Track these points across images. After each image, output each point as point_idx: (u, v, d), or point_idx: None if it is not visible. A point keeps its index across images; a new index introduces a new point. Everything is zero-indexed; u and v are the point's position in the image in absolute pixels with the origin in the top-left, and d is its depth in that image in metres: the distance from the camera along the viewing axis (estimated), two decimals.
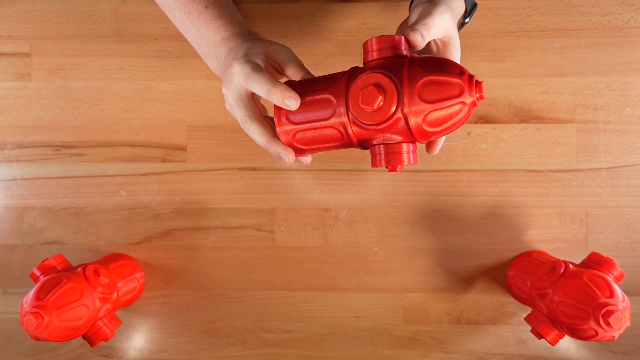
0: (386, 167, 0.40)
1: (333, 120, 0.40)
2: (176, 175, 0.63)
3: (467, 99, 0.37)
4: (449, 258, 0.61)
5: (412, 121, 0.37)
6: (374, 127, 0.38)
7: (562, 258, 0.56)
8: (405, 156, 0.39)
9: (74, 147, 0.63)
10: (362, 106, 0.38)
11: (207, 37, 0.52)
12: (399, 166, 0.39)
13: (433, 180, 0.61)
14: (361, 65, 0.42)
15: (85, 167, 0.63)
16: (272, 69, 0.47)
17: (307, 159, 0.47)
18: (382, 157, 0.40)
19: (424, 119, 0.37)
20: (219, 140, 0.62)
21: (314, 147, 0.43)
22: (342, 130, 0.40)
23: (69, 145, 0.63)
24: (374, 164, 0.41)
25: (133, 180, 0.63)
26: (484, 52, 0.60)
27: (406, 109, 0.37)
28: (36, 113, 0.63)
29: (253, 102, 0.45)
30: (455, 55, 0.45)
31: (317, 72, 0.61)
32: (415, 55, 0.40)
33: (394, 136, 0.39)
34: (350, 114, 0.39)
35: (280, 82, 0.42)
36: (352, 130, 0.39)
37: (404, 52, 0.40)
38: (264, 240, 0.62)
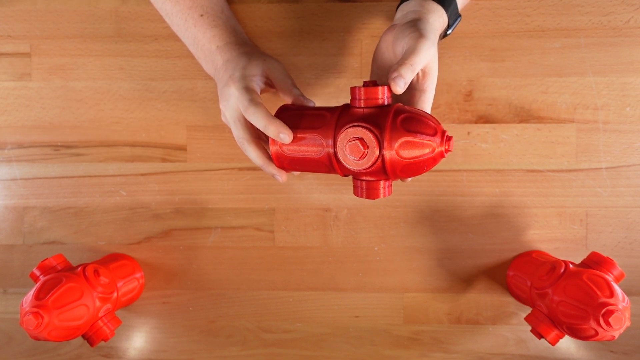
0: (367, 198, 0.47)
1: (321, 157, 0.46)
2: (176, 175, 0.63)
3: (437, 153, 0.43)
4: (449, 258, 0.61)
5: (389, 169, 0.44)
6: (356, 170, 0.44)
7: (562, 258, 0.56)
8: (381, 191, 0.46)
9: (74, 147, 0.63)
10: (347, 155, 0.44)
11: (202, 44, 0.54)
12: (376, 197, 0.47)
13: (433, 180, 0.61)
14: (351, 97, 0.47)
15: (85, 167, 0.63)
16: (267, 86, 0.51)
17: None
18: (364, 191, 0.47)
19: (399, 169, 0.44)
20: (219, 140, 0.62)
21: (303, 170, 0.50)
22: (328, 164, 0.46)
23: (69, 145, 0.63)
24: (356, 194, 0.47)
25: (133, 180, 0.63)
26: (484, 52, 0.60)
27: (386, 160, 0.43)
28: (36, 113, 0.63)
29: (250, 124, 0.48)
30: (432, 86, 0.48)
31: (317, 72, 0.61)
32: (398, 105, 0.45)
33: (373, 178, 0.46)
34: (336, 157, 0.45)
35: (275, 118, 0.46)
36: (338, 167, 0.46)
37: (387, 101, 0.45)
38: (264, 240, 0.62)
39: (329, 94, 0.61)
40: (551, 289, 0.49)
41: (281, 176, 0.50)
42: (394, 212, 0.62)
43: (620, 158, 0.60)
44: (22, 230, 0.64)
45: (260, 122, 0.46)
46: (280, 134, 0.45)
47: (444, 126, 0.61)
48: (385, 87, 0.45)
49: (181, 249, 0.63)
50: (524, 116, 0.60)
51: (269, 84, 0.52)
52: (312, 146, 0.46)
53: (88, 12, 0.63)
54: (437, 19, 0.48)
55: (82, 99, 0.63)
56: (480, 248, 0.61)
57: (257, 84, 0.49)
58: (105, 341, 0.57)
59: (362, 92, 0.44)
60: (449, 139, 0.43)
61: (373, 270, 0.62)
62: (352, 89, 0.45)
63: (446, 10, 0.49)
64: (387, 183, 0.46)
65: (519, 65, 0.60)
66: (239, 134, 0.49)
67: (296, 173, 0.52)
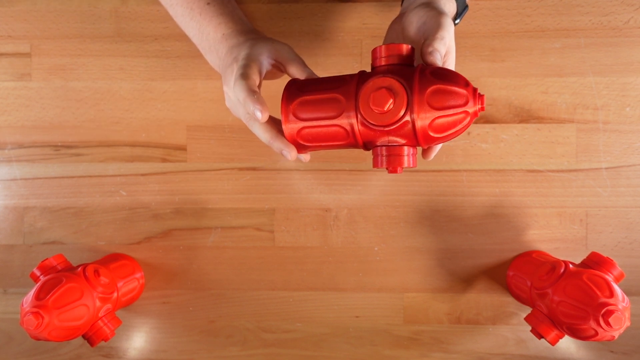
0: (387, 169, 0.42)
1: (341, 119, 0.41)
2: (176, 175, 0.63)
3: (471, 109, 0.39)
4: (449, 258, 0.61)
5: (419, 125, 0.39)
6: (380, 129, 0.40)
7: (562, 258, 0.56)
8: (405, 158, 0.41)
9: (74, 147, 0.63)
10: (372, 107, 0.39)
11: (207, 33, 0.53)
12: (398, 168, 0.41)
13: (433, 180, 0.61)
14: (367, 70, 0.43)
15: (85, 167, 0.63)
16: (275, 69, 0.48)
17: (306, 156, 0.47)
18: (384, 158, 0.41)
19: (429, 124, 0.39)
20: (219, 140, 0.62)
21: (317, 144, 0.44)
22: (348, 129, 0.41)
23: (69, 145, 0.63)
24: (376, 164, 0.42)
25: (133, 180, 0.63)
26: (484, 52, 0.60)
27: (414, 114, 0.38)
28: (36, 113, 0.63)
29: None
30: (453, 63, 0.46)
31: (317, 72, 0.61)
32: (422, 64, 0.41)
33: (398, 139, 0.40)
34: (359, 114, 0.40)
35: (254, 92, 0.42)
36: (358, 130, 0.41)
37: (413, 61, 0.42)
38: (264, 240, 0.63)
39: None
40: (551, 289, 0.49)
41: (290, 152, 0.45)
42: (394, 212, 0.62)
43: (620, 158, 0.60)
44: (22, 230, 0.64)
45: (240, 94, 0.43)
46: (255, 111, 0.42)
47: None
48: (408, 46, 0.41)
49: (181, 249, 0.63)
50: (524, 116, 0.60)
51: (278, 67, 0.49)
52: (331, 109, 0.41)
53: (88, 12, 0.63)
54: (447, 2, 0.48)
55: (82, 99, 0.63)
56: (480, 248, 0.61)
57: (263, 64, 0.46)
58: (105, 341, 0.57)
59: (384, 49, 0.41)
60: (481, 96, 0.39)
61: (373, 270, 0.62)
62: (374, 50, 0.42)
63: None
64: (411, 150, 0.41)
65: (519, 65, 0.60)
66: (243, 111, 0.46)
67: (303, 158, 0.47)
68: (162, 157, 0.63)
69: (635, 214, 0.60)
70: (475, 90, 0.39)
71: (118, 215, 0.63)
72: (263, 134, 0.45)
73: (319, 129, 0.42)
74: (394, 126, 0.39)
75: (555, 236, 0.61)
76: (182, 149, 0.63)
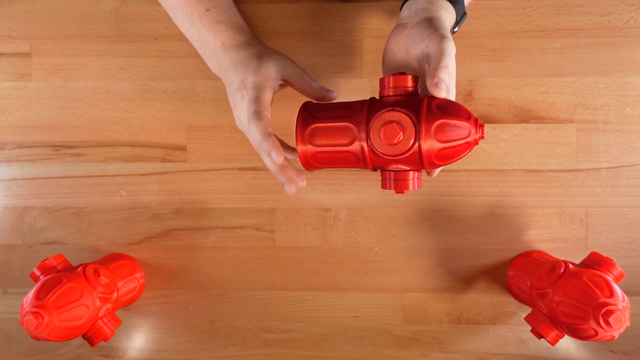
0: (394, 190, 0.46)
1: (353, 147, 0.44)
2: (176, 175, 0.63)
3: (472, 138, 0.43)
4: (449, 258, 0.61)
5: (425, 155, 0.42)
6: (390, 158, 0.43)
7: (562, 258, 0.56)
8: (411, 182, 0.45)
9: (74, 147, 0.63)
10: (382, 140, 0.43)
11: (207, 40, 0.53)
12: (405, 191, 0.45)
13: (433, 180, 0.61)
14: (374, 90, 0.46)
15: (85, 167, 0.63)
16: (282, 87, 0.50)
17: (302, 183, 0.50)
18: (392, 182, 0.45)
19: (435, 154, 0.43)
20: (219, 140, 0.62)
21: (328, 166, 0.48)
22: (359, 155, 0.45)
23: (69, 145, 0.63)
24: (384, 186, 0.46)
25: (133, 180, 0.63)
26: (484, 52, 0.60)
27: (422, 145, 0.42)
28: (36, 113, 0.63)
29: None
30: (454, 84, 0.47)
31: (316, 72, 0.61)
32: (428, 95, 0.44)
33: (405, 166, 0.44)
34: (370, 144, 0.43)
35: (270, 136, 0.45)
36: (369, 157, 0.44)
37: (418, 90, 0.45)
38: (264, 240, 0.62)
39: None
40: (551, 289, 0.49)
41: (290, 187, 0.49)
42: (394, 212, 0.62)
43: (620, 158, 0.60)
44: (22, 230, 0.64)
45: (256, 137, 0.46)
46: (272, 153, 0.45)
47: None
48: (414, 76, 0.45)
49: (181, 249, 0.63)
50: (524, 116, 0.60)
51: (285, 85, 0.51)
52: (343, 137, 0.44)
53: (88, 12, 0.63)
54: (447, 15, 0.48)
55: (82, 99, 0.63)
56: (480, 248, 0.61)
57: (272, 87, 0.48)
58: (105, 341, 0.57)
59: (391, 80, 0.44)
60: (482, 125, 0.43)
61: (373, 270, 0.62)
62: (381, 79, 0.45)
63: (454, 7, 0.49)
64: (416, 174, 0.45)
65: (519, 65, 0.60)
66: (254, 140, 0.47)
67: (300, 185, 0.50)
68: (162, 157, 0.63)
69: (635, 214, 0.60)
70: (476, 121, 0.43)
71: (118, 215, 0.63)
72: (271, 166, 0.48)
73: (332, 154, 0.46)
74: (402, 156, 0.43)
75: (555, 236, 0.61)
76: (182, 149, 0.63)
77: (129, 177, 0.63)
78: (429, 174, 0.50)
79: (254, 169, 0.62)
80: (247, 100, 0.47)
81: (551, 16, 0.60)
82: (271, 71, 0.48)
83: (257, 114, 0.46)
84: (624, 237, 0.60)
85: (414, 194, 0.61)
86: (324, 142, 0.45)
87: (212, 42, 0.52)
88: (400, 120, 0.42)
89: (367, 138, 0.43)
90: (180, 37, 0.62)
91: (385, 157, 0.43)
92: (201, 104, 0.62)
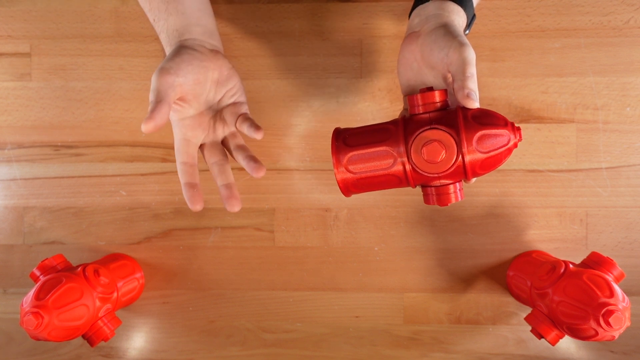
0: (438, 205, 0.46)
1: (394, 170, 0.44)
2: (176, 175, 0.63)
3: (512, 144, 0.43)
4: (449, 258, 0.61)
5: (469, 167, 0.43)
6: (434, 175, 0.43)
7: (562, 258, 0.56)
8: (453, 195, 0.45)
9: (74, 147, 0.63)
10: (425, 159, 0.42)
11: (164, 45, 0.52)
12: (449, 204, 0.45)
13: None
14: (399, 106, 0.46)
15: (85, 167, 0.63)
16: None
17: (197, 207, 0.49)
18: (435, 197, 0.45)
19: (479, 165, 0.43)
20: None
21: (369, 190, 0.47)
22: (402, 177, 0.44)
23: (69, 145, 0.63)
24: (427, 202, 0.46)
25: (133, 180, 0.63)
26: (484, 52, 0.60)
27: (465, 159, 0.42)
28: (36, 113, 0.63)
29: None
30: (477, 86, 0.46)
31: (317, 72, 0.61)
32: (460, 106, 0.44)
33: (447, 180, 0.44)
34: (412, 164, 0.43)
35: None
36: (412, 177, 0.44)
37: (448, 103, 0.45)
38: (264, 240, 0.62)
39: (329, 94, 0.61)
40: (551, 289, 0.49)
41: (194, 206, 0.49)
42: (394, 212, 0.62)
43: (620, 158, 0.60)
44: (22, 230, 0.64)
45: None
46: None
47: None
48: (442, 91, 0.44)
49: (181, 249, 0.63)
50: (524, 116, 0.60)
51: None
52: (383, 159, 0.44)
53: (88, 12, 0.63)
54: (459, 19, 0.47)
55: (82, 99, 0.63)
56: (480, 248, 0.61)
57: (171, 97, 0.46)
58: (105, 341, 0.57)
59: (420, 98, 0.44)
60: (518, 128, 0.43)
61: (373, 270, 0.62)
62: (409, 97, 0.45)
63: (464, 10, 0.48)
64: (458, 186, 0.45)
65: (519, 65, 0.60)
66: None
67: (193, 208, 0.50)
68: (162, 157, 0.63)
69: (635, 214, 0.60)
70: (513, 125, 0.43)
71: (118, 215, 0.63)
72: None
73: (373, 179, 0.45)
74: (446, 173, 0.43)
75: (555, 236, 0.61)
76: None
77: (129, 177, 0.63)
78: (467, 182, 0.49)
79: None
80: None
81: (551, 16, 0.60)
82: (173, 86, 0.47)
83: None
84: (624, 237, 0.60)
85: (414, 193, 0.61)
86: (364, 169, 0.45)
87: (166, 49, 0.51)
88: (441, 138, 0.42)
89: (409, 159, 0.43)
90: None
91: (429, 175, 0.43)
92: None
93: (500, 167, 0.60)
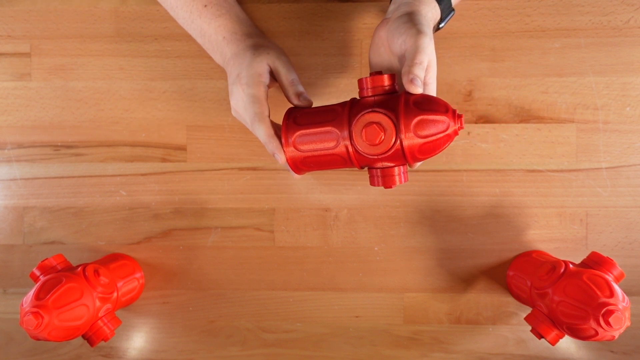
0: (383, 186, 0.47)
1: (338, 149, 0.46)
2: (176, 175, 0.63)
3: (451, 131, 0.44)
4: (449, 258, 0.61)
5: (408, 151, 0.44)
6: (374, 157, 0.45)
7: (562, 258, 0.56)
8: (397, 177, 0.47)
9: (74, 147, 0.63)
10: (365, 141, 0.44)
11: (209, 35, 0.54)
12: (393, 186, 0.47)
13: (433, 180, 0.61)
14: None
15: (85, 167, 0.63)
16: (273, 80, 0.52)
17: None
18: (380, 179, 0.47)
19: (417, 149, 0.44)
20: (219, 140, 0.62)
21: (317, 168, 0.49)
22: (345, 157, 0.46)
23: (69, 145, 0.63)
24: (372, 183, 0.48)
25: (133, 180, 0.63)
26: (484, 52, 0.60)
27: (403, 143, 0.44)
28: (36, 113, 0.63)
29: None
30: (434, 78, 0.48)
31: (317, 72, 0.61)
32: (405, 91, 0.45)
33: (390, 163, 0.46)
34: (353, 145, 0.45)
35: (274, 138, 0.48)
36: (355, 157, 0.46)
37: (396, 87, 0.47)
38: (264, 240, 0.62)
39: (329, 94, 0.61)
40: (551, 289, 0.49)
41: (280, 156, 0.50)
42: (394, 212, 0.62)
43: (620, 158, 0.60)
44: (22, 230, 0.64)
45: (261, 138, 0.48)
46: (275, 155, 0.48)
47: None
48: (391, 75, 0.46)
49: (181, 249, 0.63)
50: (524, 116, 0.60)
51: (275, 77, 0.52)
52: (328, 140, 0.46)
53: (88, 12, 0.63)
54: (430, 10, 0.49)
55: (82, 99, 0.63)
56: (480, 248, 0.61)
57: (264, 82, 0.50)
58: (105, 341, 0.57)
59: (369, 81, 0.46)
60: (460, 116, 0.44)
61: (373, 270, 0.62)
62: (359, 80, 0.46)
63: (439, 3, 0.50)
64: (402, 169, 0.47)
65: (519, 65, 0.60)
66: (260, 139, 0.50)
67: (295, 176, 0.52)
68: (162, 157, 0.63)
69: (635, 214, 0.60)
70: (454, 112, 0.44)
71: (118, 215, 0.63)
72: (266, 144, 0.49)
73: (319, 158, 0.47)
74: (385, 155, 0.45)
75: (555, 236, 0.61)
76: (182, 149, 0.63)
77: (129, 177, 0.63)
78: (411, 166, 0.51)
79: (254, 168, 0.62)
80: (245, 99, 0.49)
81: (551, 16, 0.60)
82: (262, 66, 0.50)
83: (259, 116, 0.48)
84: (624, 237, 0.60)
85: (414, 193, 0.61)
86: (310, 148, 0.47)
87: (213, 36, 0.53)
88: (380, 121, 0.44)
89: (351, 140, 0.45)
90: (180, 37, 0.62)
91: (370, 156, 0.45)
92: (201, 104, 0.62)
93: (500, 167, 0.60)
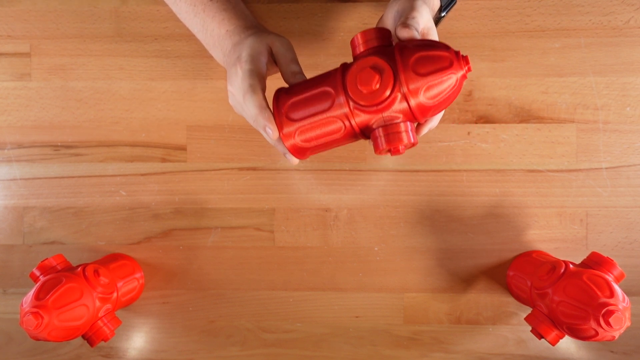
0: (388, 150, 0.41)
1: (334, 110, 0.41)
2: (176, 175, 0.63)
3: (458, 70, 0.39)
4: (449, 258, 0.61)
5: (410, 96, 0.39)
6: (373, 108, 0.40)
7: (562, 258, 0.56)
8: (404, 135, 0.40)
9: (74, 147, 0.63)
10: (360, 88, 0.39)
11: (212, 29, 0.53)
12: (400, 147, 0.41)
13: (433, 180, 0.61)
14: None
15: (85, 167, 0.63)
16: (273, 63, 0.49)
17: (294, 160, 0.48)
18: (383, 139, 0.41)
19: (423, 93, 0.39)
20: (219, 140, 0.62)
21: (316, 143, 0.44)
22: (343, 119, 0.41)
23: (69, 145, 0.63)
24: (376, 148, 0.42)
25: (133, 180, 0.63)
26: (484, 52, 0.60)
27: (404, 87, 0.39)
28: (36, 113, 0.63)
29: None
30: (435, 37, 0.46)
31: (317, 72, 0.61)
32: (401, 41, 0.42)
33: (393, 115, 0.40)
34: (349, 99, 0.40)
35: (266, 110, 0.44)
36: (353, 116, 0.41)
37: (390, 42, 0.42)
38: (264, 240, 0.62)
39: None
40: (551, 289, 0.49)
41: (292, 157, 0.47)
42: (394, 212, 0.62)
43: (620, 158, 0.60)
44: (22, 230, 0.64)
45: (251, 110, 0.45)
46: (267, 128, 0.44)
47: (445, 126, 0.61)
48: (383, 28, 0.42)
49: (181, 249, 0.63)
50: (524, 116, 0.60)
51: (274, 60, 0.50)
52: (322, 101, 0.41)
53: (88, 12, 0.63)
54: None
55: (82, 99, 0.63)
56: (480, 248, 0.61)
57: (263, 61, 0.47)
58: (105, 341, 0.57)
59: (360, 36, 0.42)
60: (465, 57, 0.39)
61: (373, 270, 0.62)
62: (352, 39, 0.43)
63: None
64: (409, 125, 0.41)
65: (519, 65, 0.60)
66: (250, 114, 0.47)
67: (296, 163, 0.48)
68: (162, 157, 0.63)
69: (635, 214, 0.60)
70: (457, 52, 0.39)
71: (118, 215, 0.63)
72: (257, 117, 0.45)
73: (315, 126, 0.42)
74: (385, 102, 0.39)
75: (555, 236, 0.61)
76: (182, 149, 0.63)
77: (129, 177, 0.63)
78: (418, 131, 0.46)
79: (254, 169, 0.62)
80: (241, 75, 0.46)
81: (551, 16, 0.60)
82: (262, 45, 0.48)
83: (252, 87, 0.45)
84: (624, 237, 0.60)
85: (414, 193, 0.61)
86: (304, 114, 0.42)
87: (217, 30, 0.53)
88: (374, 64, 0.39)
89: (346, 94, 0.40)
90: (180, 37, 0.62)
91: (368, 108, 0.40)
92: (201, 104, 0.62)
93: (500, 167, 0.60)
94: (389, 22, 0.47)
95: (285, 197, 0.62)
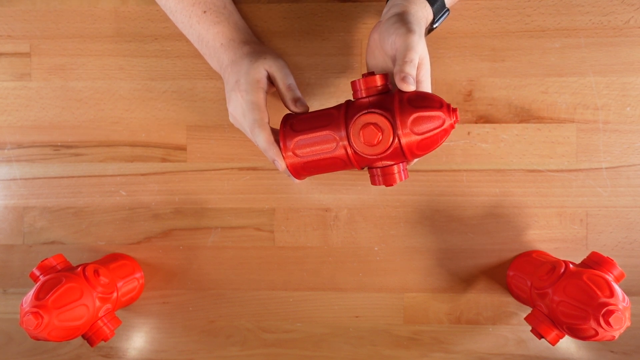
0: (384, 185, 0.48)
1: (337, 153, 0.47)
2: (176, 175, 0.63)
3: (449, 125, 0.45)
4: (449, 258, 0.61)
5: (406, 149, 0.45)
6: (373, 157, 0.46)
7: (562, 258, 0.56)
8: (397, 175, 0.47)
9: (73, 147, 0.63)
10: (363, 143, 0.45)
11: (207, 41, 0.54)
12: (394, 183, 0.48)
13: (433, 180, 0.61)
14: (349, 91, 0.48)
15: (85, 167, 0.63)
16: (271, 85, 0.52)
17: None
18: (380, 178, 0.48)
19: (416, 146, 0.45)
20: (219, 140, 0.62)
21: (318, 172, 0.51)
22: (345, 159, 0.47)
23: (69, 145, 0.63)
24: (373, 183, 0.48)
25: (133, 180, 0.63)
26: (484, 52, 0.60)
27: (401, 141, 0.45)
28: (36, 113, 0.63)
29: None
30: (427, 75, 0.48)
31: (317, 72, 0.61)
32: (398, 90, 0.46)
33: (389, 161, 0.47)
34: (352, 147, 0.46)
35: (274, 145, 0.48)
36: (354, 159, 0.47)
37: (389, 86, 0.47)
38: (264, 240, 0.62)
39: (329, 94, 0.61)
40: (551, 289, 0.49)
41: (281, 163, 0.50)
42: (394, 212, 0.62)
43: (620, 158, 0.60)
44: (22, 230, 0.64)
45: (261, 145, 0.49)
46: (275, 161, 0.48)
47: None
48: (383, 75, 0.46)
49: (181, 249, 0.63)
50: (524, 116, 0.60)
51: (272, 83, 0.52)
52: (326, 143, 0.47)
53: (88, 12, 0.63)
54: (420, 9, 0.49)
55: (82, 99, 0.63)
56: (480, 248, 0.61)
57: (262, 89, 0.50)
58: (105, 341, 0.57)
59: (362, 83, 0.46)
60: (454, 110, 0.45)
61: (373, 270, 0.62)
62: (353, 83, 0.47)
63: (430, 4, 0.50)
64: (402, 166, 0.48)
65: (519, 65, 0.60)
66: (247, 129, 0.50)
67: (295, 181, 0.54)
68: (162, 157, 0.63)
69: (635, 214, 0.60)
70: (449, 107, 0.45)
71: (118, 215, 0.63)
72: (266, 151, 0.49)
73: (319, 162, 0.48)
74: (384, 154, 0.45)
75: (555, 236, 0.61)
76: (182, 149, 0.63)
77: (129, 177, 0.63)
78: (409, 163, 0.51)
79: (254, 169, 0.62)
80: (244, 105, 0.49)
81: (551, 16, 0.60)
82: (261, 72, 0.50)
83: (258, 122, 0.49)
84: (624, 237, 0.60)
85: (414, 193, 0.61)
86: (309, 152, 0.48)
87: (211, 42, 0.54)
88: (377, 121, 0.44)
89: (349, 142, 0.46)
90: (180, 37, 0.62)
91: (369, 157, 0.46)
92: (201, 104, 0.62)
93: (500, 167, 0.60)
94: (386, 46, 0.47)
95: (285, 197, 0.62)
